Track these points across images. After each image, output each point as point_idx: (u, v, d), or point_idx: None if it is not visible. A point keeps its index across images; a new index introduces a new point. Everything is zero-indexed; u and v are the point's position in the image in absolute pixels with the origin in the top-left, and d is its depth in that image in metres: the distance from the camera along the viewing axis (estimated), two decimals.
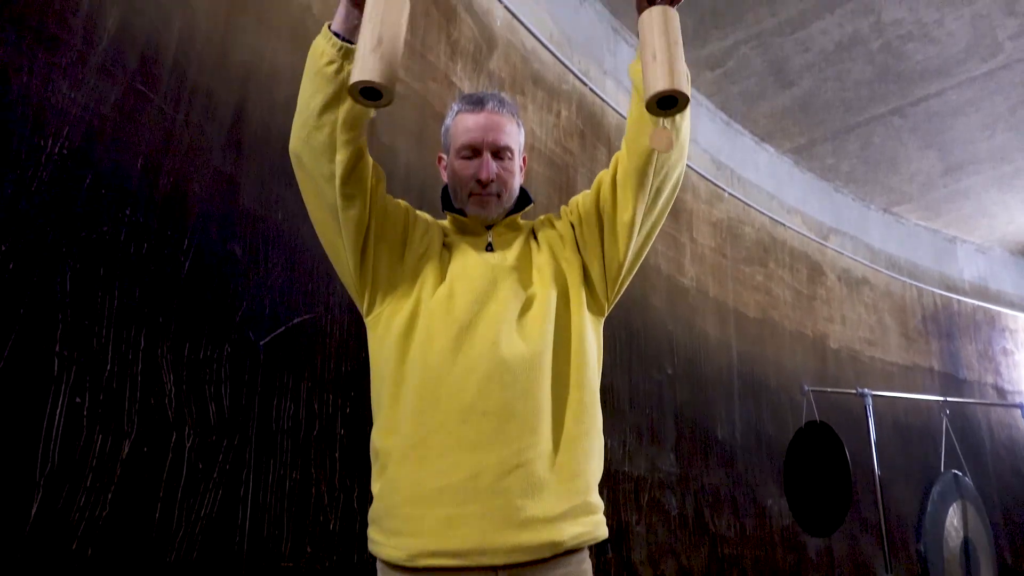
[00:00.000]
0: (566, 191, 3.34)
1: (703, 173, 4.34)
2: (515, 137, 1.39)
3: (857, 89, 4.49)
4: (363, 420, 2.17)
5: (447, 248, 1.38)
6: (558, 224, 1.43)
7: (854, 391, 2.72)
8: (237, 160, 2.00)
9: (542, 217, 1.47)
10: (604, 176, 1.36)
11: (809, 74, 4.36)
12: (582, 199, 1.41)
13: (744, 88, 4.49)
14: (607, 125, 3.74)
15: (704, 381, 4.00)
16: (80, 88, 1.62)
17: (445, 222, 1.47)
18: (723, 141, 4.61)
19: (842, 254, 5.25)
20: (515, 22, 3.24)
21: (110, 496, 1.55)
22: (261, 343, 1.93)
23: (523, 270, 1.34)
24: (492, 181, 1.34)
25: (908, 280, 5.68)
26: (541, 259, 1.36)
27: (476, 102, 1.37)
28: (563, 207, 1.46)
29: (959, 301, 5.98)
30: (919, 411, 5.21)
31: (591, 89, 3.64)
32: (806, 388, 2.80)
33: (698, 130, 4.42)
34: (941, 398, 3.28)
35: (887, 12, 3.90)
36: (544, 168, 3.24)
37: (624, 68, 3.94)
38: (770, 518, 4.22)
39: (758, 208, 4.69)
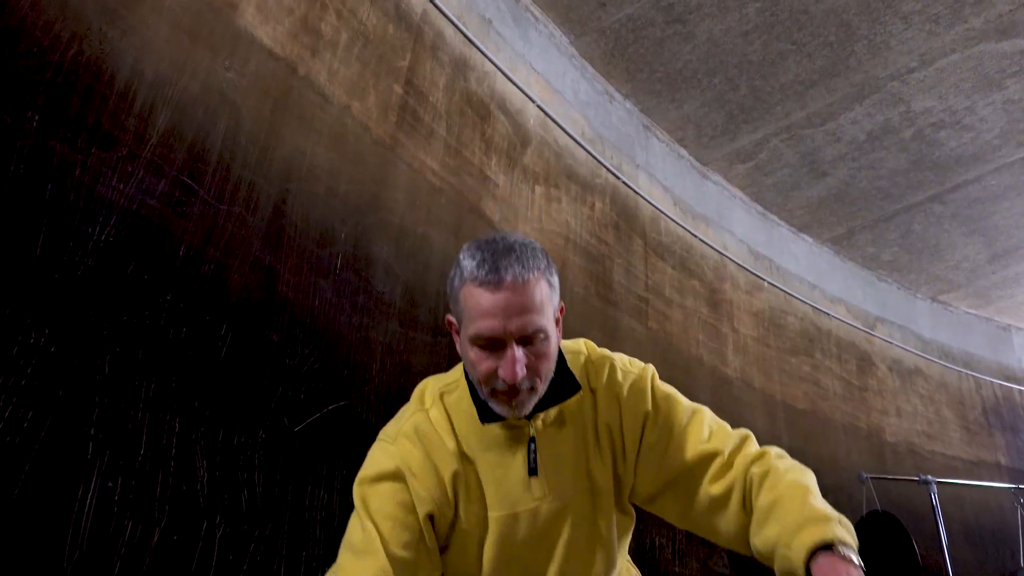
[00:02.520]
0: (602, 281, 3.34)
1: (741, 263, 4.31)
2: (547, 307, 1.06)
3: (893, 177, 4.49)
4: None
5: (469, 462, 1.12)
6: (628, 416, 1.15)
7: (916, 478, 2.56)
8: (276, 250, 2.05)
9: (617, 379, 1.16)
10: (687, 476, 1.12)
11: (843, 164, 4.38)
12: (670, 439, 1.15)
13: (778, 180, 4.52)
14: (641, 217, 3.77)
15: None
16: (129, 181, 1.70)
17: (449, 434, 1.14)
18: (759, 232, 4.60)
19: (891, 344, 5.11)
20: (548, 120, 3.35)
21: None
22: (296, 429, 1.92)
23: (580, 504, 1.14)
24: (523, 379, 1.05)
25: (964, 370, 5.47)
26: (599, 470, 1.14)
27: (491, 273, 1.02)
28: (653, 396, 1.17)
29: (1021, 391, 5.71)
30: (990, 511, 4.88)
31: (624, 183, 3.69)
32: (864, 476, 2.65)
33: (734, 221, 4.43)
34: (1013, 485, 3.07)
35: (916, 101, 3.95)
36: (581, 259, 3.26)
37: (656, 162, 4.02)
38: None
39: (800, 298, 4.62)
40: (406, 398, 1.13)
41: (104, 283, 1.59)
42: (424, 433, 1.11)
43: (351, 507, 2.00)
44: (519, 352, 1.03)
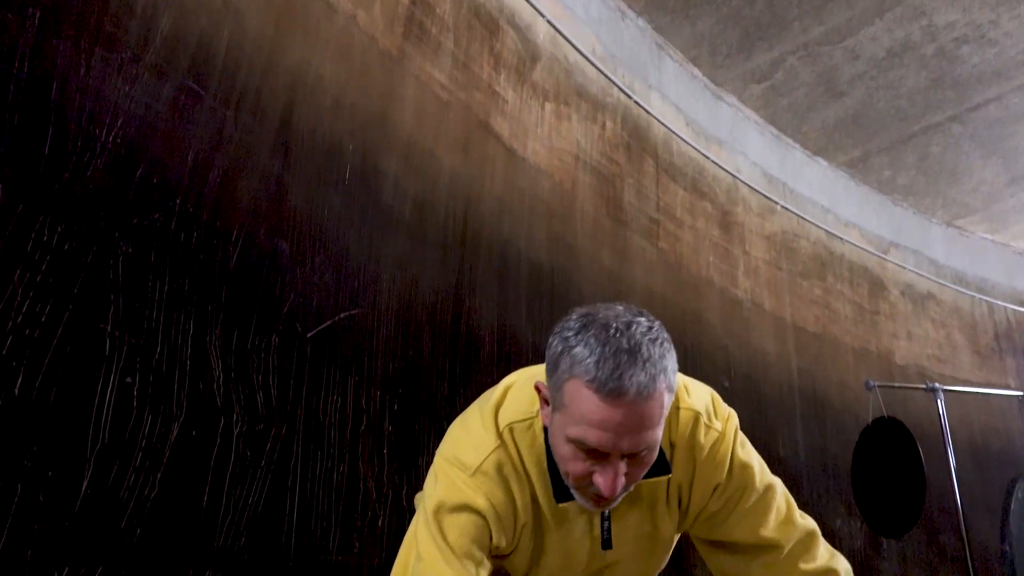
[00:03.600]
0: (613, 201, 3.32)
1: (754, 186, 4.27)
2: (661, 418, 0.95)
3: (911, 97, 4.39)
4: (411, 418, 2.15)
5: (539, 516, 1.08)
6: (700, 480, 1.11)
7: (923, 386, 2.58)
8: (285, 162, 2.05)
9: (699, 439, 1.09)
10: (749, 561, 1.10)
11: (860, 83, 4.28)
12: (732, 512, 1.11)
13: (793, 101, 4.43)
14: (653, 137, 3.72)
15: (763, 398, 3.87)
16: (134, 84, 1.69)
17: (526, 482, 1.08)
18: (773, 155, 4.54)
19: (905, 268, 5.08)
20: (558, 36, 3.28)
21: (159, 476, 1.56)
22: (308, 335, 1.95)
23: (639, 552, 1.12)
24: (620, 490, 0.96)
25: (977, 295, 5.44)
26: (665, 524, 1.12)
27: (613, 381, 0.89)
28: (730, 465, 1.11)
29: None
30: (997, 433, 4.93)
31: (636, 102, 3.64)
32: (872, 384, 2.67)
33: (747, 143, 4.36)
34: (1020, 393, 3.09)
35: (939, 15, 3.82)
36: (591, 179, 3.23)
37: (668, 83, 3.94)
38: (839, 540, 4.01)
39: (813, 222, 4.58)
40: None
41: (113, 185, 1.60)
42: (506, 475, 1.04)
43: (364, 412, 2.05)
44: (623, 466, 0.93)
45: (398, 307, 2.23)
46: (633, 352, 0.90)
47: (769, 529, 1.07)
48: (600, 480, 0.94)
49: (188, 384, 1.66)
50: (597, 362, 0.90)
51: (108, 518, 1.46)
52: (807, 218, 4.56)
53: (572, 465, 0.96)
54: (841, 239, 4.76)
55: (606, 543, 1.07)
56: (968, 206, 5.41)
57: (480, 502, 1.01)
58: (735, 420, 1.14)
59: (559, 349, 0.95)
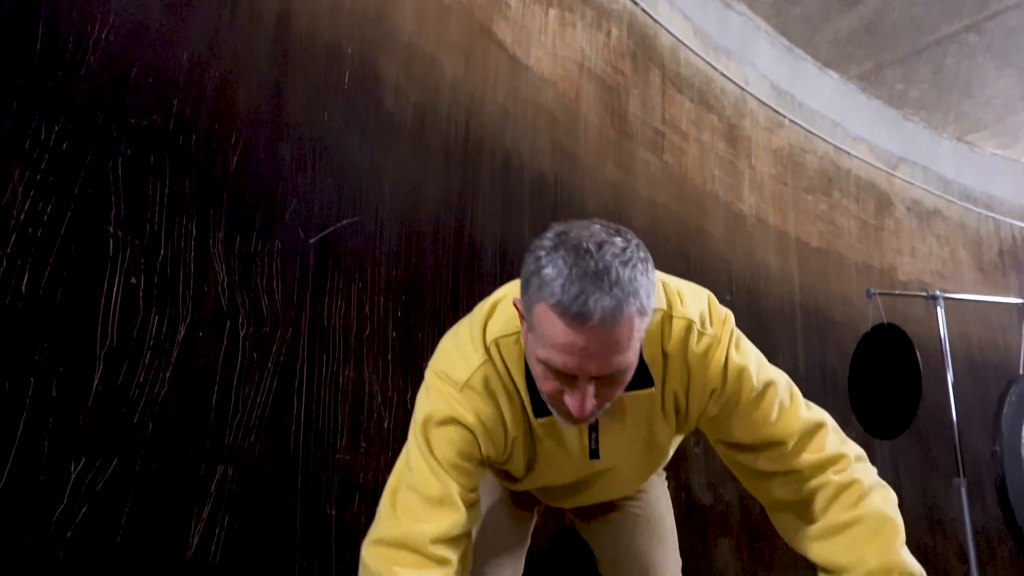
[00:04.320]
0: (617, 112, 3.26)
1: (762, 99, 4.19)
2: (636, 338, 0.93)
3: (927, 5, 4.24)
4: (414, 325, 2.18)
5: (529, 429, 1.10)
6: (696, 386, 1.11)
7: (924, 294, 2.59)
8: (284, 68, 2.01)
9: (692, 346, 1.08)
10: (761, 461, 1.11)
11: None
12: (732, 415, 1.12)
13: (806, 10, 4.29)
14: (659, 47, 3.63)
15: (764, 313, 3.90)
16: None
17: (515, 395, 1.09)
18: (783, 67, 4.43)
19: (912, 184, 5.02)
20: None
21: (168, 375, 1.59)
22: (311, 241, 1.95)
23: (636, 458, 1.14)
24: (592, 409, 0.96)
25: (984, 212, 5.40)
26: (661, 431, 1.13)
27: (577, 305, 0.87)
28: (725, 371, 1.10)
29: None
30: (996, 348, 4.98)
31: (643, 9, 3.53)
32: (872, 291, 2.68)
33: (757, 55, 4.25)
34: (1020, 300, 3.11)
35: None
36: (595, 88, 3.17)
37: None
38: None
39: (821, 136, 4.51)
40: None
41: (109, 84, 1.58)
42: (494, 390, 1.05)
43: (368, 319, 2.08)
44: (591, 388, 0.92)
45: (400, 215, 2.23)
46: (600, 275, 0.87)
47: (770, 426, 1.08)
48: (569, 401, 0.94)
49: (193, 286, 1.67)
50: (563, 285, 0.88)
51: (120, 414, 1.50)
52: (815, 132, 4.48)
53: (544, 384, 0.97)
54: (849, 154, 4.69)
55: (593, 453, 1.09)
56: (980, 120, 5.31)
57: (468, 418, 1.03)
58: (731, 322, 1.13)
59: (531, 269, 0.93)
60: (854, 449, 1.10)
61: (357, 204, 2.11)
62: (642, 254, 0.93)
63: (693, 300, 1.12)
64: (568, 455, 1.10)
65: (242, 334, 1.75)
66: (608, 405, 0.99)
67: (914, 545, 1.05)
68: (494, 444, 1.06)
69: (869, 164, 4.81)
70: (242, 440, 1.71)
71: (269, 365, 1.80)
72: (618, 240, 0.91)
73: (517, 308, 1.02)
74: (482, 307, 1.15)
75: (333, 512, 1.89)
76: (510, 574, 1.18)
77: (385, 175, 2.22)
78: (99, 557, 1.44)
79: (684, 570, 1.43)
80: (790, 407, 1.11)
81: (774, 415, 1.09)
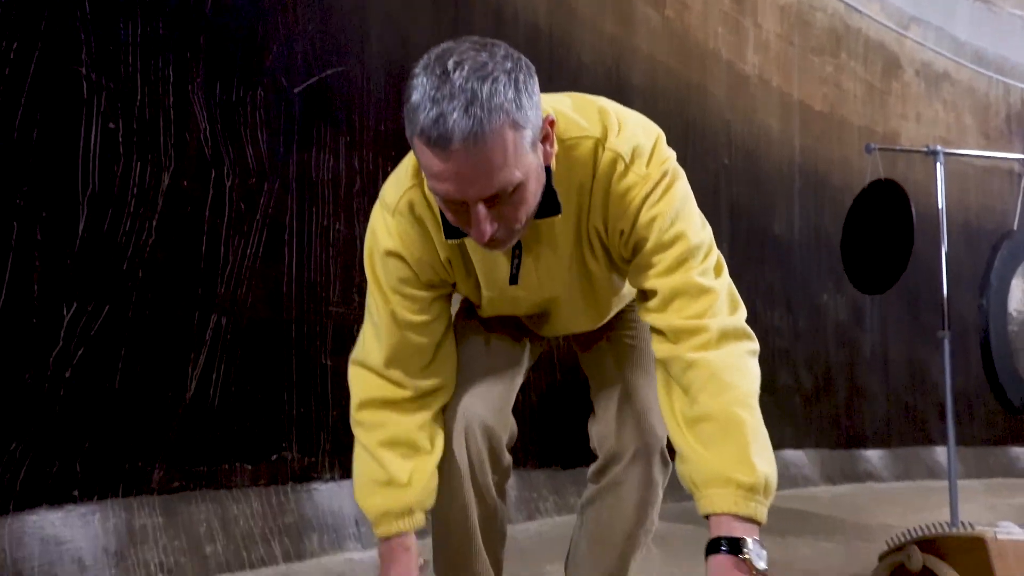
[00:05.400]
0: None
1: None
2: (519, 152, 0.89)
3: None
4: None
5: (465, 261, 1.09)
6: (611, 224, 1.07)
7: (924, 148, 2.54)
8: None
9: (613, 182, 1.03)
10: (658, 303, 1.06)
11: None
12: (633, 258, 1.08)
13: None
14: None
15: (762, 176, 3.84)
16: None
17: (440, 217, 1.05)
18: None
19: (923, 46, 4.83)
20: None
21: (154, 223, 1.58)
22: (296, 90, 1.89)
23: (574, 287, 1.13)
24: (495, 231, 0.93)
25: (995, 75, 5.23)
26: (592, 263, 1.11)
27: (436, 128, 0.84)
28: (637, 216, 1.04)
29: None
30: (994, 213, 4.96)
31: None
32: (872, 147, 2.62)
33: None
34: (1021, 156, 3.05)
35: None
36: None
37: None
38: (824, 314, 4.18)
39: None
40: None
41: None
42: (420, 215, 1.03)
43: (357, 173, 2.04)
44: (483, 210, 0.89)
45: (388, 65, 2.14)
46: (456, 95, 0.82)
47: (649, 279, 1.05)
48: (468, 227, 0.92)
49: (174, 134, 1.63)
50: (423, 110, 0.83)
51: (108, 260, 1.50)
52: None
53: (446, 212, 0.94)
54: (860, 12, 4.48)
55: (513, 279, 1.07)
56: None
57: (398, 247, 1.04)
58: (671, 168, 1.04)
59: (404, 99, 0.87)
60: (720, 322, 1.03)
61: (341, 50, 2.03)
62: (509, 65, 0.86)
63: (633, 134, 1.04)
64: (499, 280, 1.09)
65: (228, 184, 1.72)
66: (520, 227, 0.96)
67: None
68: (433, 268, 1.06)
69: (880, 23, 4.61)
70: (234, 290, 1.72)
71: (258, 217, 1.78)
72: (483, 55, 0.86)
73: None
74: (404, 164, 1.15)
75: (328, 363, 1.93)
76: (501, 391, 1.21)
77: (371, 20, 2.12)
78: (99, 397, 1.48)
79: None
80: (686, 265, 1.05)
81: (663, 267, 1.04)
